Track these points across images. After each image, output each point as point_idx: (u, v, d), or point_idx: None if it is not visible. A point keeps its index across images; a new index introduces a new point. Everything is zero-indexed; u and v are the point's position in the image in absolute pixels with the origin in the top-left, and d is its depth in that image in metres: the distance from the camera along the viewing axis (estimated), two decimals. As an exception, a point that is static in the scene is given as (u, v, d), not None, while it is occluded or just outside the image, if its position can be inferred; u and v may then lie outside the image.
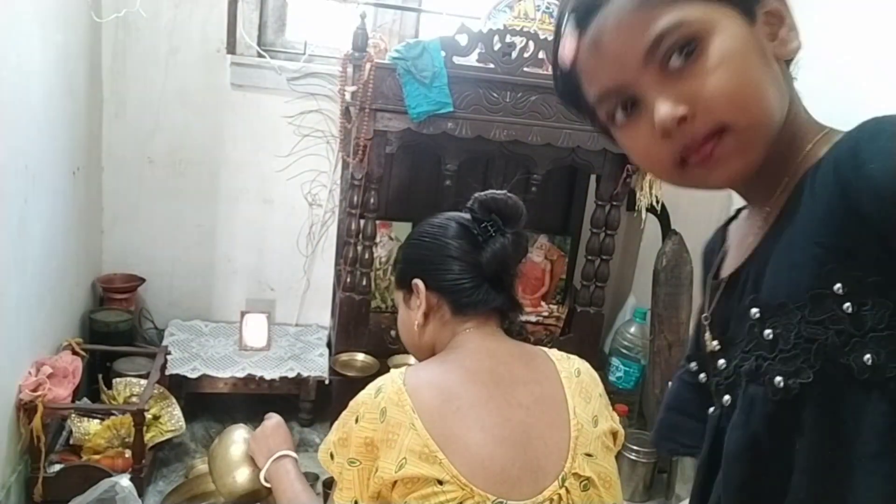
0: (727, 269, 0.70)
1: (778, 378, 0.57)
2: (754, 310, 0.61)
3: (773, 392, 0.58)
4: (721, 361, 0.67)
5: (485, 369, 1.02)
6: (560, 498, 0.95)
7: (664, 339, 2.34)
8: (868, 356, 0.53)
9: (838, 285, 0.54)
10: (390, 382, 0.98)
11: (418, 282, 1.12)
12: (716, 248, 0.77)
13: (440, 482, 0.91)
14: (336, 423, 1.02)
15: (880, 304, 0.53)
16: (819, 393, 0.56)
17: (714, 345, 0.68)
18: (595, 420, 1.03)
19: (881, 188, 0.50)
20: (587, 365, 1.12)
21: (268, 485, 1.24)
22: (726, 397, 0.65)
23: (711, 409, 0.69)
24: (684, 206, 2.58)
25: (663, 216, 2.43)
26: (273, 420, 1.33)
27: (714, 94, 0.58)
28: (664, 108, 0.59)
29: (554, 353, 1.11)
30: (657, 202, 2.27)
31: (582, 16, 0.63)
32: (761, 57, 0.60)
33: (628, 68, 0.61)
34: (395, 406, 0.95)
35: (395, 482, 0.93)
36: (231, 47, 2.35)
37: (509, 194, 1.14)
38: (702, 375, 0.73)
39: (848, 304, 0.54)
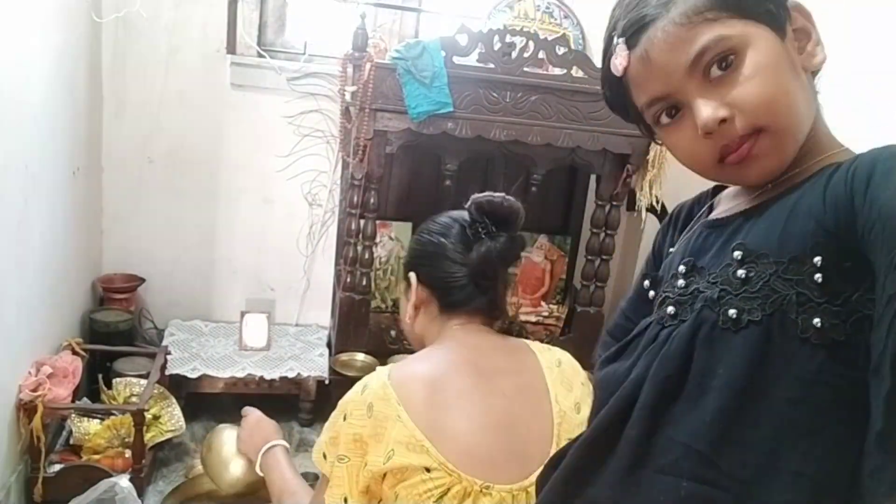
0: (715, 215, 0.81)
1: (732, 311, 0.67)
2: (737, 252, 0.69)
3: (723, 320, 0.68)
4: (680, 282, 0.76)
5: (468, 361, 1.05)
6: None
7: (664, 339, 2.34)
8: (817, 320, 0.63)
9: (818, 258, 0.63)
10: (375, 379, 1.01)
11: (412, 275, 1.15)
12: (693, 205, 0.93)
13: (427, 470, 0.93)
14: (326, 423, 1.04)
15: (844, 285, 0.62)
16: (760, 333, 0.66)
17: (680, 268, 0.77)
18: (578, 407, 1.06)
19: (882, 212, 0.58)
20: (568, 355, 1.15)
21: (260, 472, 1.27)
22: (671, 309, 0.75)
23: (651, 318, 0.79)
24: (684, 206, 2.58)
25: (663, 216, 2.43)
26: (253, 415, 1.36)
27: (750, 99, 0.68)
28: (707, 111, 0.69)
29: (535, 346, 1.13)
30: (657, 202, 2.27)
31: (633, 33, 0.74)
32: (791, 68, 0.70)
33: (674, 78, 0.71)
34: (381, 400, 0.97)
35: (385, 474, 0.95)
36: (231, 47, 2.35)
37: (507, 197, 1.14)
38: (651, 293, 0.85)
39: (819, 276, 0.63)
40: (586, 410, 1.04)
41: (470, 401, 0.99)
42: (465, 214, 1.15)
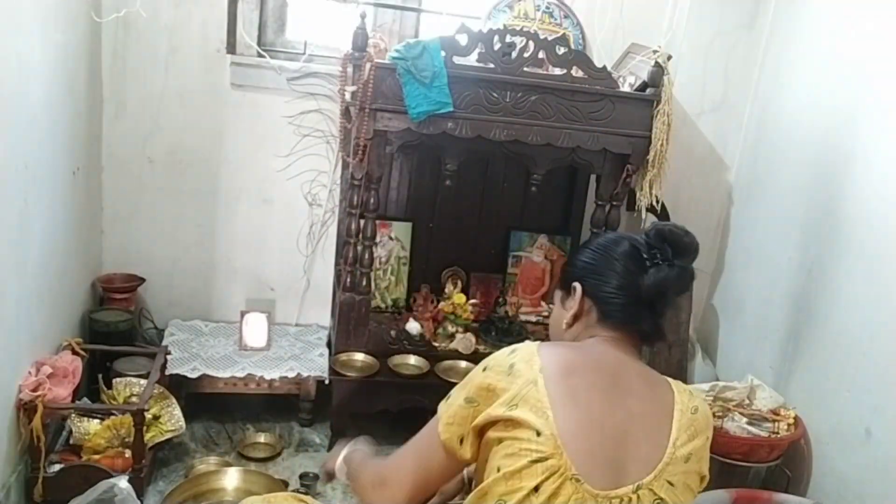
0: None
1: None
2: None
3: None
4: None
5: (609, 368, 1.10)
6: (630, 501, 1.01)
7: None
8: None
9: None
10: (526, 346, 1.09)
11: (577, 285, 1.19)
12: None
13: (538, 434, 0.99)
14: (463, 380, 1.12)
15: None
16: None
17: None
18: (688, 457, 1.07)
19: None
20: (707, 407, 1.17)
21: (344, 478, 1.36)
22: None
23: None
24: (684, 205, 2.58)
25: (663, 216, 2.43)
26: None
27: None
28: None
29: (678, 386, 1.15)
30: (657, 202, 2.27)
31: None
32: None
33: None
34: (524, 363, 1.05)
35: (499, 421, 1.02)
36: (231, 47, 2.35)
37: (688, 230, 1.19)
38: None
39: None
40: (695, 464, 1.08)
41: (597, 399, 1.05)
42: (637, 237, 1.19)
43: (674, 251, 1.15)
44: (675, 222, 1.19)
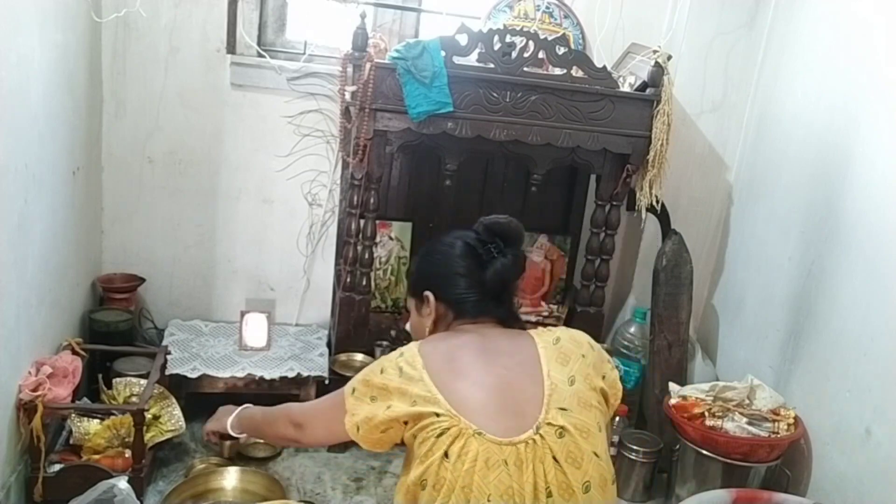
0: None
1: None
2: None
3: None
4: None
5: (477, 343, 1.25)
6: (535, 441, 1.12)
7: (664, 339, 2.34)
8: None
9: None
10: (409, 349, 1.24)
11: (429, 294, 1.31)
12: None
13: (437, 415, 1.13)
14: (363, 370, 1.27)
15: None
16: None
17: None
18: (572, 380, 1.20)
19: None
20: (571, 332, 1.30)
21: (237, 433, 1.61)
22: None
23: None
24: (684, 206, 2.58)
25: (663, 216, 2.43)
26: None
27: None
28: None
29: (536, 331, 1.30)
30: (657, 202, 2.27)
31: None
32: None
33: None
34: (409, 366, 1.20)
35: (407, 420, 1.17)
36: (231, 47, 2.35)
37: (511, 218, 1.31)
38: None
39: None
40: (582, 383, 1.21)
41: (474, 368, 1.20)
42: (468, 235, 1.31)
43: (504, 241, 1.29)
44: (496, 215, 1.31)
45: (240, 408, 1.63)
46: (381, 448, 1.24)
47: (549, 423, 1.13)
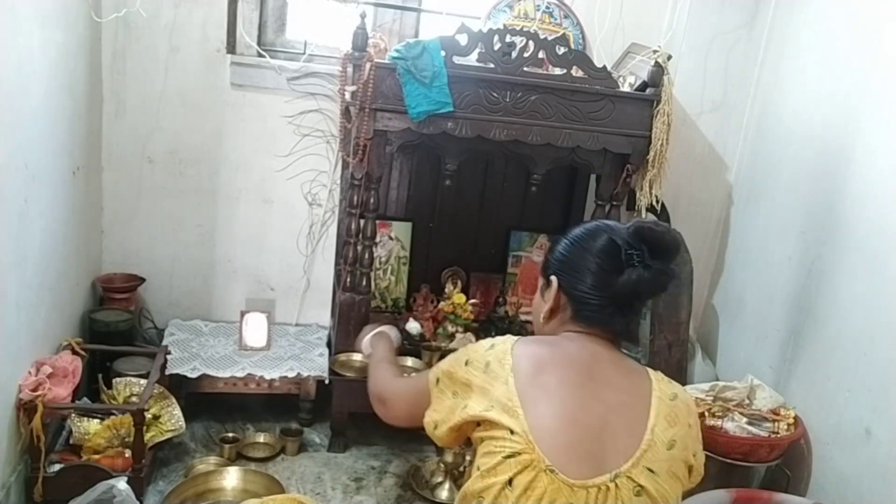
0: None
1: None
2: None
3: None
4: None
5: (583, 363, 1.11)
6: (608, 489, 1.01)
7: (664, 339, 2.34)
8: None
9: None
10: (501, 343, 1.13)
11: (553, 279, 1.20)
12: None
13: (512, 432, 1.02)
14: (449, 356, 1.18)
15: None
16: None
17: None
18: (671, 444, 1.07)
19: None
20: (688, 395, 1.17)
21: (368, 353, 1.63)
22: None
23: None
24: (684, 206, 2.58)
25: (663, 216, 2.43)
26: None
27: None
28: None
29: (656, 375, 1.15)
30: (657, 202, 2.27)
31: None
32: None
33: None
34: (498, 363, 1.09)
35: (479, 422, 1.07)
36: (231, 47, 2.35)
37: (670, 228, 1.19)
38: None
39: None
40: (680, 451, 1.07)
41: (570, 393, 1.07)
42: (619, 231, 1.16)
43: (651, 252, 1.11)
44: (655, 220, 1.17)
45: (378, 331, 1.68)
46: (452, 445, 1.19)
47: (629, 477, 1.02)
